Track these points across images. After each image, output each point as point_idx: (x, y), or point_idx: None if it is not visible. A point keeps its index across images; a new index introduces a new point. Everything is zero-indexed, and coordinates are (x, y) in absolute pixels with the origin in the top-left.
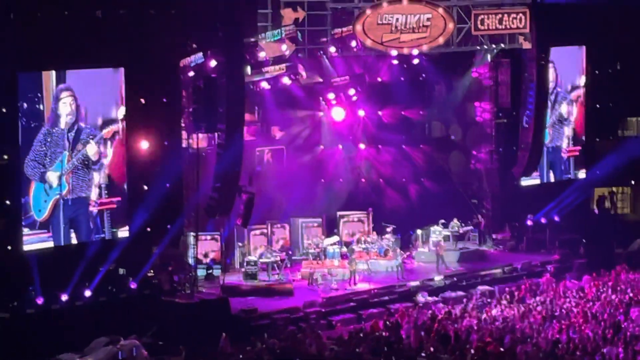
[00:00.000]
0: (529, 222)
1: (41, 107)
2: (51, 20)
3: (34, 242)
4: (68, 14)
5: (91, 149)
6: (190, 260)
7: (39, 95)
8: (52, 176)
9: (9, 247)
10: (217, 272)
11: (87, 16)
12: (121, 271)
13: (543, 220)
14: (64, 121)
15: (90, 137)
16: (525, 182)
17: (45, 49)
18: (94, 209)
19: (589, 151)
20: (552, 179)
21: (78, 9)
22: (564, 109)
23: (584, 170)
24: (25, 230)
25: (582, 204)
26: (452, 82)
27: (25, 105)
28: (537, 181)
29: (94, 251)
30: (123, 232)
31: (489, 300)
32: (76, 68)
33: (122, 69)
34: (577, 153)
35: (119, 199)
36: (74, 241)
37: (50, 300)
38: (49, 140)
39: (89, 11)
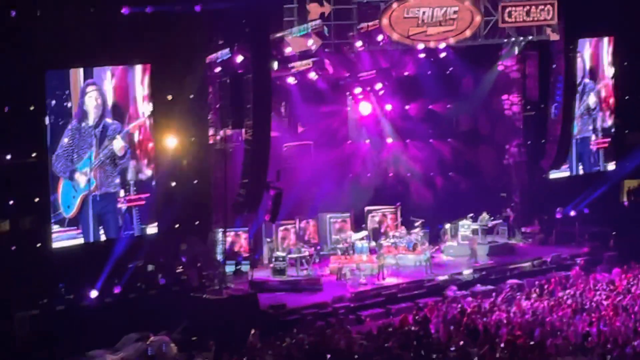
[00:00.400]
0: (558, 215)
1: (69, 104)
2: (77, 17)
3: (63, 239)
4: (94, 11)
5: (117, 144)
6: (219, 257)
7: (67, 92)
8: (81, 175)
9: (38, 245)
10: (245, 267)
11: (113, 13)
12: (150, 267)
13: (572, 213)
14: (92, 117)
15: (117, 132)
16: (554, 174)
17: (72, 46)
18: (122, 206)
19: (618, 143)
20: (581, 172)
21: (104, 6)
22: (592, 100)
23: (613, 163)
24: (55, 227)
25: (611, 197)
26: (480, 75)
27: (53, 102)
28: (567, 174)
29: (122, 247)
30: (152, 229)
31: (518, 293)
32: (103, 65)
33: (148, 66)
34: (607, 145)
35: (148, 195)
36: (103, 238)
37: (79, 297)
38: (77, 136)
39: (115, 8)
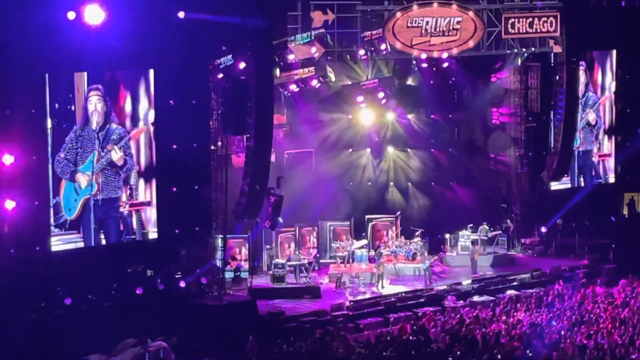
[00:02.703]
0: (559, 227)
1: (72, 107)
2: (81, 22)
3: (64, 242)
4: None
5: (115, 155)
6: (218, 263)
7: (71, 95)
8: (83, 175)
9: (37, 248)
10: (244, 274)
11: (116, 18)
12: (149, 273)
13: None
14: (95, 122)
15: (120, 137)
16: (556, 186)
17: (75, 50)
18: (124, 210)
19: (618, 156)
20: (582, 184)
21: (108, 11)
22: (591, 117)
23: (613, 175)
24: (56, 231)
25: (611, 209)
26: (482, 86)
27: (57, 105)
28: (568, 185)
29: (122, 252)
30: (153, 234)
31: (517, 305)
32: (106, 69)
33: (151, 71)
34: (608, 157)
35: (150, 200)
36: (104, 242)
37: (78, 301)
38: (80, 139)
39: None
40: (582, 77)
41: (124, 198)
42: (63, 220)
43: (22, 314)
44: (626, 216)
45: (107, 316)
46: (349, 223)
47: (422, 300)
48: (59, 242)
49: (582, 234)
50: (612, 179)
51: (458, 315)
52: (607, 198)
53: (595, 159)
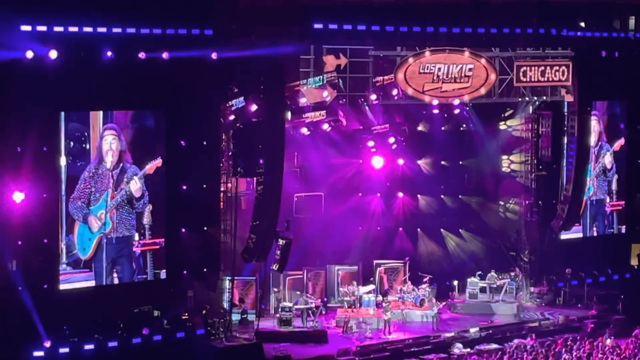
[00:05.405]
0: (568, 276)
1: (87, 146)
2: (96, 61)
3: (76, 280)
4: (112, 55)
5: (134, 185)
6: (225, 304)
7: (86, 134)
8: (95, 217)
9: (45, 286)
10: (251, 317)
11: (130, 58)
12: (156, 313)
13: (581, 274)
14: (109, 160)
15: (134, 174)
16: (566, 235)
17: (90, 89)
18: (137, 250)
19: (629, 206)
20: (595, 233)
21: (121, 51)
22: (607, 162)
23: (625, 226)
24: (68, 269)
25: (621, 260)
26: (493, 133)
27: (72, 144)
28: (579, 235)
29: (130, 291)
30: (164, 274)
31: (524, 353)
32: (119, 109)
33: (163, 111)
34: (621, 207)
35: (162, 240)
36: (116, 281)
37: (83, 341)
38: (94, 178)
39: (131, 53)
40: (595, 127)
41: (136, 237)
42: (75, 258)
43: (28, 352)
44: (635, 267)
45: (112, 356)
46: (357, 267)
47: (429, 347)
48: (70, 280)
49: (591, 284)
50: (624, 229)
51: None
52: (616, 248)
53: (608, 209)
